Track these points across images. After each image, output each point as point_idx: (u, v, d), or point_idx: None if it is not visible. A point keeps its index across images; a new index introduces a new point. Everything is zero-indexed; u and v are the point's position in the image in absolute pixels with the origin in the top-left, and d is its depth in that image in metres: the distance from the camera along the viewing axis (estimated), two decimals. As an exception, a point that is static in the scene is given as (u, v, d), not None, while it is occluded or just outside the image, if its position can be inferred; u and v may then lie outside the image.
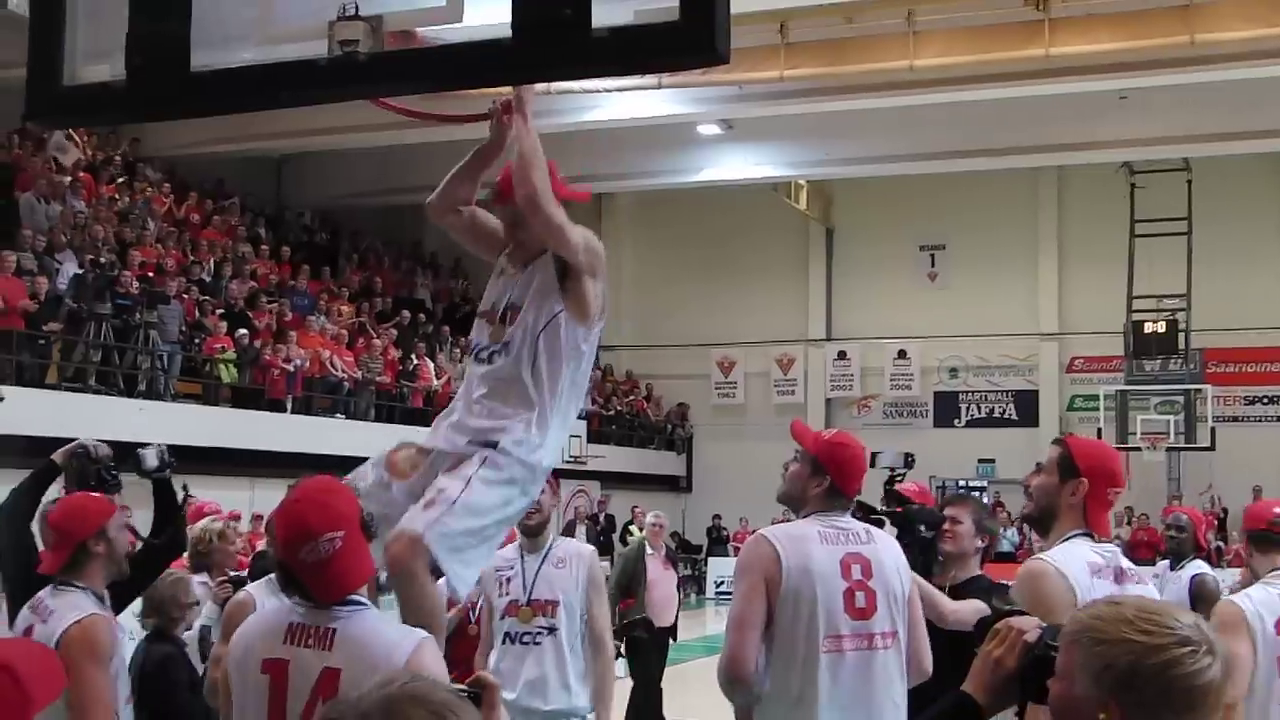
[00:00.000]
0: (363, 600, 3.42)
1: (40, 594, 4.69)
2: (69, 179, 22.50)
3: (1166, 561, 8.32)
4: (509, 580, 6.20)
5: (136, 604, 6.18)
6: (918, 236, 33.26)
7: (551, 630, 6.13)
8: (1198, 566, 8.11)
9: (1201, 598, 7.97)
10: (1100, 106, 25.27)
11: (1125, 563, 3.95)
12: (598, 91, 24.25)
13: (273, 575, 5.27)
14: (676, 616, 12.51)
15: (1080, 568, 3.81)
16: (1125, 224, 30.15)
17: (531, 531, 6.24)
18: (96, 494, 5.12)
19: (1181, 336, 29.31)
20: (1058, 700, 2.22)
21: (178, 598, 6.19)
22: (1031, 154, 27.97)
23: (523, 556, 6.26)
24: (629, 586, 11.77)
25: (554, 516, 6.47)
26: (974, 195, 31.70)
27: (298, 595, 3.40)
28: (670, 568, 12.85)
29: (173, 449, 20.53)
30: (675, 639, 12.56)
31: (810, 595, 4.42)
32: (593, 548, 6.83)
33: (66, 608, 4.51)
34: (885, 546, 4.73)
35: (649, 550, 12.12)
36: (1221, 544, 28.62)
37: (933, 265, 33.49)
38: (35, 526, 5.29)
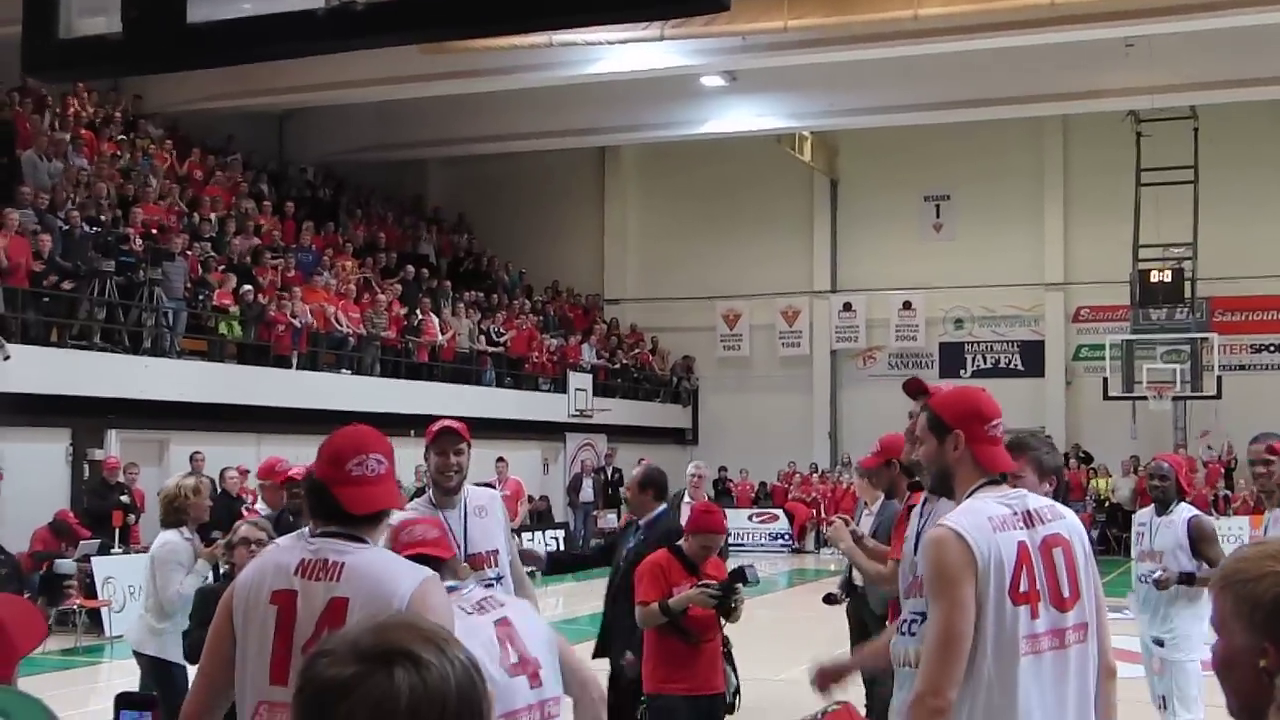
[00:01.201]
0: (369, 540, 3.60)
1: None
2: (69, 136, 22.45)
3: (1152, 508, 8.45)
4: None
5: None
6: (922, 187, 33.15)
7: (499, 579, 6.05)
8: (1187, 509, 8.25)
9: (1202, 537, 8.15)
10: (1106, 54, 25.13)
11: (1035, 503, 3.88)
12: (600, 44, 24.14)
13: (301, 530, 5.36)
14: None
15: (980, 525, 3.71)
16: (1131, 173, 30.00)
17: (452, 491, 6.07)
18: None
19: (1188, 285, 29.21)
20: (1219, 657, 2.09)
21: (248, 538, 6.36)
22: (1036, 103, 27.86)
23: (442, 513, 5.97)
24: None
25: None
26: (979, 145, 31.57)
27: (323, 519, 3.61)
28: None
29: (178, 405, 20.67)
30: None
31: None
32: (495, 491, 6.72)
33: None
34: None
35: (688, 499, 12.02)
36: (1229, 492, 28.67)
37: (938, 216, 33.41)
38: None
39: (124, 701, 3.00)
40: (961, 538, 3.68)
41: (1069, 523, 3.88)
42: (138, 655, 7.89)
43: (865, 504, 8.87)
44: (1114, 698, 3.95)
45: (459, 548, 5.96)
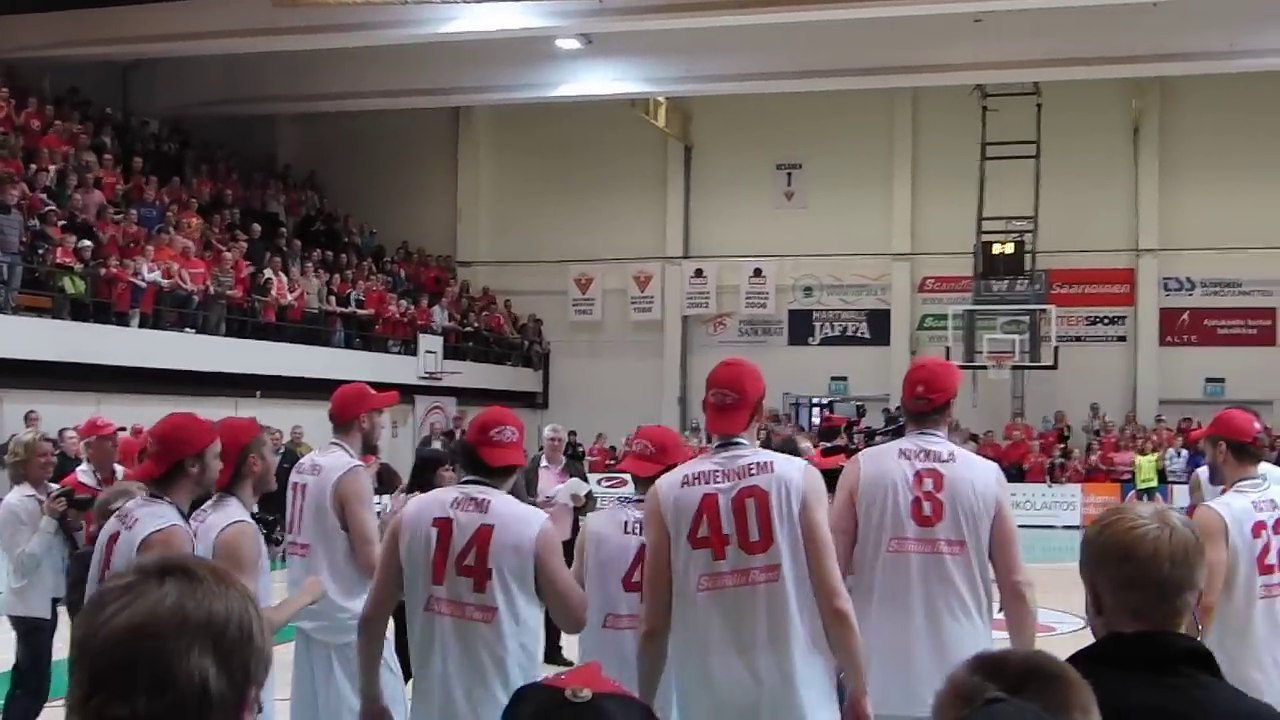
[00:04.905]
0: (500, 488, 4.83)
1: (130, 504, 4.92)
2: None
3: None
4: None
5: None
6: (775, 155, 33.43)
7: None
8: None
9: None
10: (955, 29, 25.60)
11: (747, 460, 4.47)
12: (455, 2, 23.89)
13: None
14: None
15: (673, 483, 4.54)
16: (976, 146, 30.62)
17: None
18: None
19: (1028, 258, 29.97)
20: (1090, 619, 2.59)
21: (106, 503, 6.29)
22: (887, 75, 28.25)
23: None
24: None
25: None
26: (831, 116, 31.94)
27: (469, 470, 4.93)
28: (565, 481, 12.69)
29: (12, 363, 20.07)
30: None
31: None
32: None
33: (151, 517, 4.71)
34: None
35: (544, 463, 12.08)
36: (1064, 460, 29.56)
37: (789, 184, 33.74)
38: None
39: None
40: (653, 491, 4.61)
41: (775, 476, 4.42)
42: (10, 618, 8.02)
43: None
44: (850, 641, 4.34)
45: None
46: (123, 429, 9.90)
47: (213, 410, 5.09)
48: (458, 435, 29.32)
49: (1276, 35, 25.42)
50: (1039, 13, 24.75)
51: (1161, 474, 27.47)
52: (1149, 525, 2.47)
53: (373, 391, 6.66)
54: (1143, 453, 28.05)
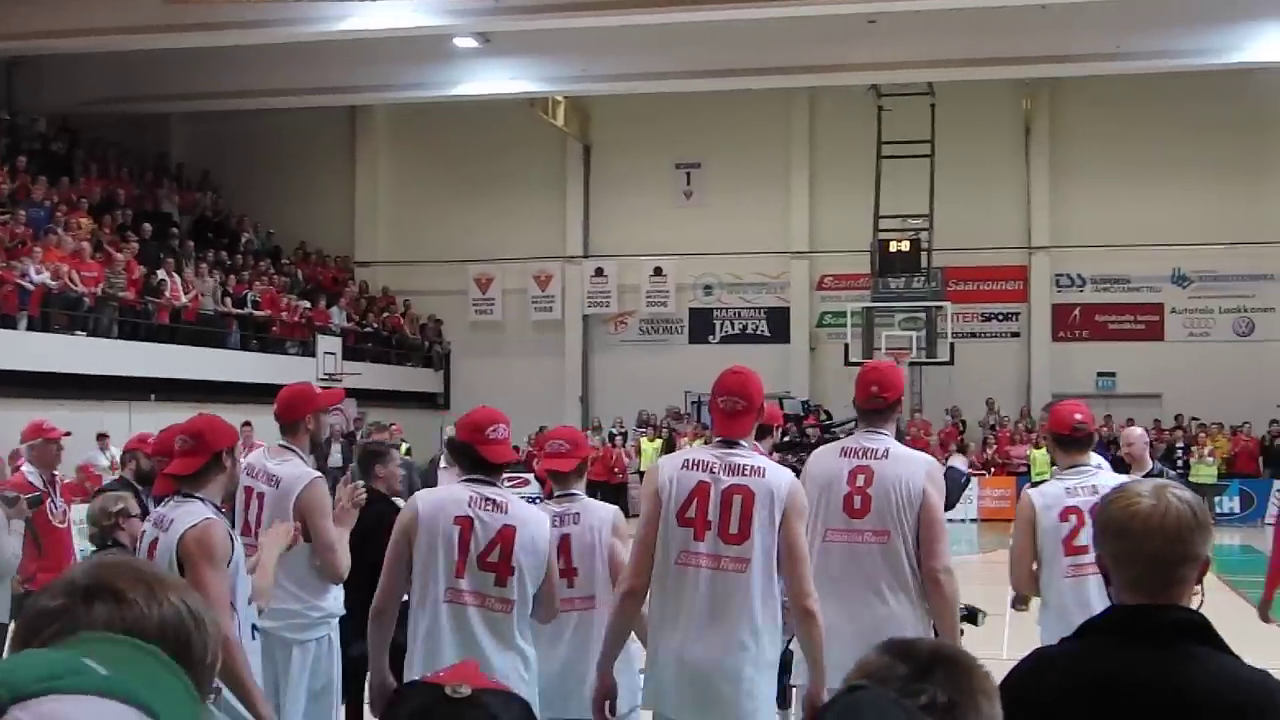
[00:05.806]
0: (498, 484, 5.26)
1: (161, 508, 5.06)
2: None
3: None
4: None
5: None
6: (674, 155, 33.53)
7: None
8: None
9: None
10: (851, 30, 25.84)
11: (740, 461, 4.92)
12: (350, 0, 23.66)
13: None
14: None
15: (675, 462, 5.05)
16: (872, 146, 30.93)
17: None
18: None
19: (924, 255, 30.32)
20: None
21: (106, 508, 6.45)
22: (785, 75, 28.47)
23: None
24: None
25: None
26: (729, 115, 32.11)
27: (469, 469, 5.24)
28: None
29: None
30: None
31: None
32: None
33: (185, 515, 4.84)
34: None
35: (443, 464, 12.06)
36: (961, 454, 29.94)
37: (688, 183, 33.86)
38: None
39: None
40: (656, 467, 5.09)
41: (765, 483, 4.88)
42: None
43: None
44: (814, 635, 4.80)
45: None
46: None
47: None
48: (359, 437, 29.11)
49: (1160, 37, 26.01)
50: (932, 14, 25.08)
51: (1055, 467, 27.97)
52: (1144, 501, 2.59)
53: (318, 390, 6.70)
54: (1038, 446, 28.51)
